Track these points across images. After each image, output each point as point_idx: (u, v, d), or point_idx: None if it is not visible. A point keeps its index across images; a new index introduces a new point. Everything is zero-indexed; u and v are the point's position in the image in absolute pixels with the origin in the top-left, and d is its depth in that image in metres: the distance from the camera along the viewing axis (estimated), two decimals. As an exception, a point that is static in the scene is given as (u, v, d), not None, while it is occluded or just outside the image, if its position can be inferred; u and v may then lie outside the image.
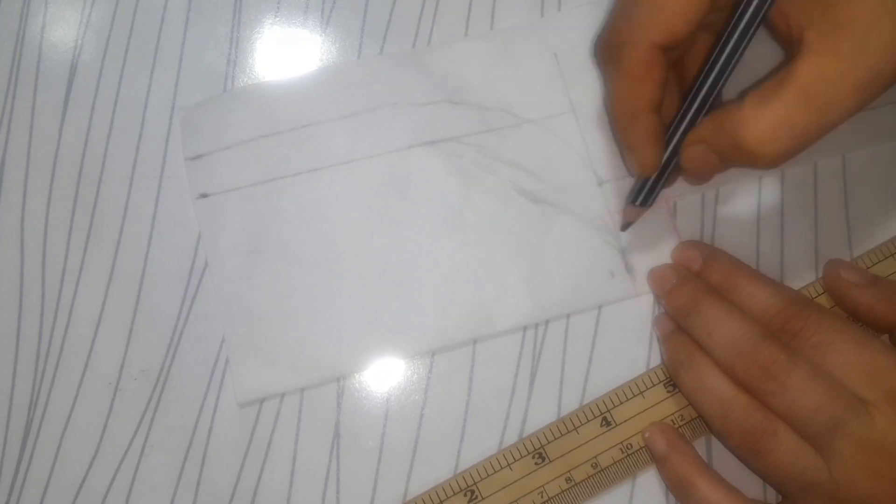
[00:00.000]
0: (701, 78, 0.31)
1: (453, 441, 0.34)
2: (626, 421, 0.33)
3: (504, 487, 0.32)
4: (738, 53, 0.31)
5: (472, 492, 0.32)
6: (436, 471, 0.33)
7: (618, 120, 0.33)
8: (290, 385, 0.34)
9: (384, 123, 0.36)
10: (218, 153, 0.36)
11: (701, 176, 0.33)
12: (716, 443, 0.33)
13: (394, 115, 0.36)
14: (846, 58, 0.28)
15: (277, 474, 0.34)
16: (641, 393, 0.33)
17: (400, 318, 0.34)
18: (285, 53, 0.38)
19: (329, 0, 0.38)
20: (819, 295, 0.33)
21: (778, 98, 0.29)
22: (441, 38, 0.38)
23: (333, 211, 0.36)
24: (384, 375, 0.35)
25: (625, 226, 0.35)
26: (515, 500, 0.32)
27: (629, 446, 0.32)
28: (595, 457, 0.32)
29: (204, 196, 0.36)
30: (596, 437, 0.33)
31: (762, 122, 0.29)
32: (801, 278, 0.34)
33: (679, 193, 0.35)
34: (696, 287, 0.33)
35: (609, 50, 0.33)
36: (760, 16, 0.30)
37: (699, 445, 0.33)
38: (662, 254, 0.35)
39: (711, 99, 0.32)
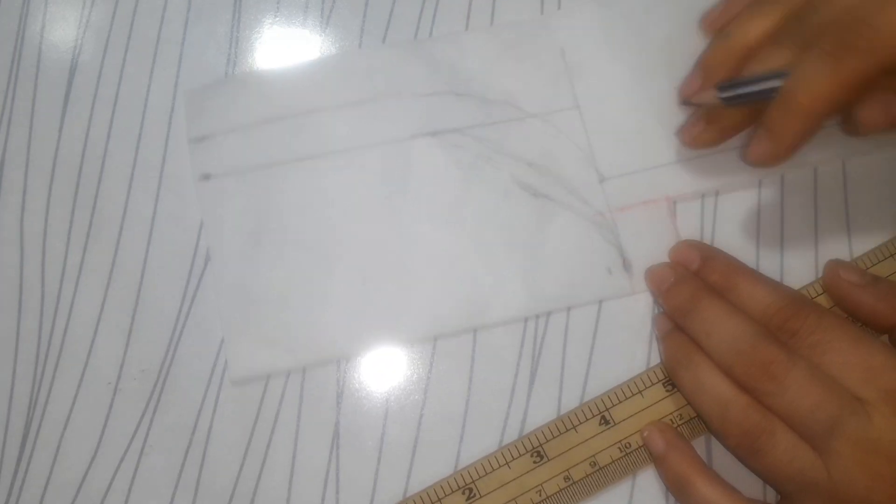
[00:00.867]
0: None
1: (453, 441, 0.34)
2: (624, 420, 0.33)
3: (502, 486, 0.32)
4: None
5: (471, 490, 0.32)
6: (435, 470, 0.33)
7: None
8: (284, 364, 0.34)
9: (387, 112, 0.36)
10: (221, 136, 0.36)
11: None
12: (715, 442, 0.33)
13: (397, 104, 0.36)
14: None
15: (277, 474, 0.34)
16: (640, 392, 0.33)
17: (396, 305, 0.35)
18: (285, 53, 0.38)
19: (329, 0, 0.38)
20: (819, 295, 0.33)
21: None
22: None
23: (334, 197, 0.36)
24: (384, 375, 0.35)
25: (687, 101, 0.34)
26: (513, 499, 0.32)
27: (628, 445, 0.32)
28: (593, 455, 0.32)
29: (206, 177, 0.36)
30: (594, 436, 0.33)
31: None
32: (801, 278, 0.35)
33: (679, 193, 0.35)
34: (695, 286, 0.33)
35: None
36: None
37: (698, 445, 0.33)
38: (661, 253, 0.35)
39: None
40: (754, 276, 0.33)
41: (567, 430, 0.33)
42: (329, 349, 0.34)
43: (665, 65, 0.36)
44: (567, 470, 0.32)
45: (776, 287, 0.32)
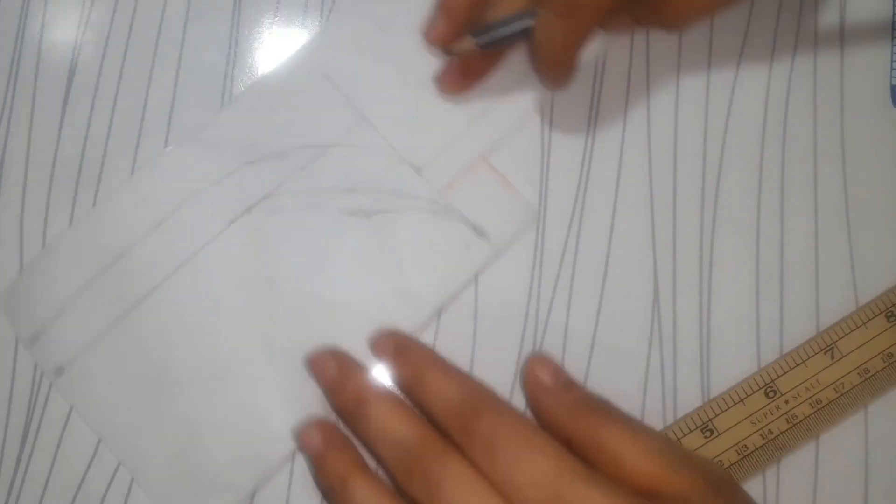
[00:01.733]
0: None
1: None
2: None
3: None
4: None
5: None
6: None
7: None
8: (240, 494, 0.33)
9: (198, 212, 0.35)
10: (52, 322, 0.35)
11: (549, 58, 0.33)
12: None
13: (203, 200, 0.36)
14: None
15: (277, 473, 0.34)
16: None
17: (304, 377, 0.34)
18: (285, 53, 0.38)
19: (328, 0, 0.38)
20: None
21: None
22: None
23: (198, 315, 0.35)
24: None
25: (447, 50, 0.35)
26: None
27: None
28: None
29: (60, 372, 0.34)
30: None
31: None
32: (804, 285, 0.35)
33: (487, 146, 0.36)
34: (361, 385, 0.31)
35: None
36: None
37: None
38: (503, 205, 0.36)
39: None
40: (445, 371, 0.32)
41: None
42: (276, 452, 0.34)
43: (417, 42, 0.36)
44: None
45: (463, 383, 0.31)
